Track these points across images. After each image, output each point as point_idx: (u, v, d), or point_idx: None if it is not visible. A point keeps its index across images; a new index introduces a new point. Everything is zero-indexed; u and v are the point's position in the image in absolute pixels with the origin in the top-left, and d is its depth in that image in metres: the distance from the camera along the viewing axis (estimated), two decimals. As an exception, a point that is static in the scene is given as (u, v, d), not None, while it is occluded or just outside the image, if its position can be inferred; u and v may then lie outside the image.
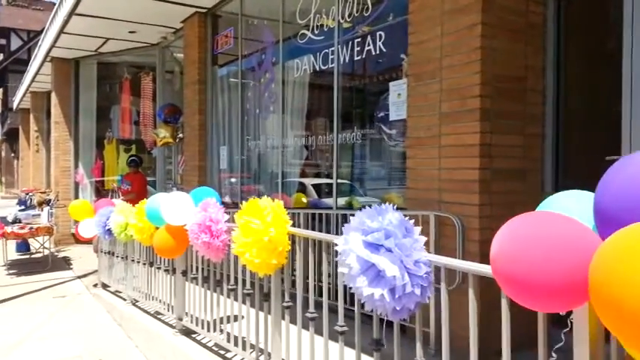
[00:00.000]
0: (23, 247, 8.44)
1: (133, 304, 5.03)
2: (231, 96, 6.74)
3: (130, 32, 7.89)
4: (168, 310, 4.25)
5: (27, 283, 6.69)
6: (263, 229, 2.47)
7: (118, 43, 8.64)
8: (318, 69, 4.86)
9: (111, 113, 10.48)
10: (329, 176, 5.20)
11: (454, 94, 3.17)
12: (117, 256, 5.61)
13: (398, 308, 1.69)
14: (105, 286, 6.11)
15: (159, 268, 4.49)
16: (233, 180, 6.72)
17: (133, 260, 5.08)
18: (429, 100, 3.34)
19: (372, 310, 2.13)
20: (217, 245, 3.12)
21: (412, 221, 1.78)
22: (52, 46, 8.74)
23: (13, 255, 8.29)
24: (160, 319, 4.40)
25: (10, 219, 7.55)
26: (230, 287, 3.10)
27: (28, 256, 8.42)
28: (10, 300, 5.86)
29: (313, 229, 4.46)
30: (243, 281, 3.05)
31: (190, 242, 3.30)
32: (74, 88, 10.35)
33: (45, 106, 14.85)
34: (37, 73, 11.46)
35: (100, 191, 10.03)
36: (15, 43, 21.82)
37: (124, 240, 4.97)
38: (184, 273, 3.88)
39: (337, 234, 4.36)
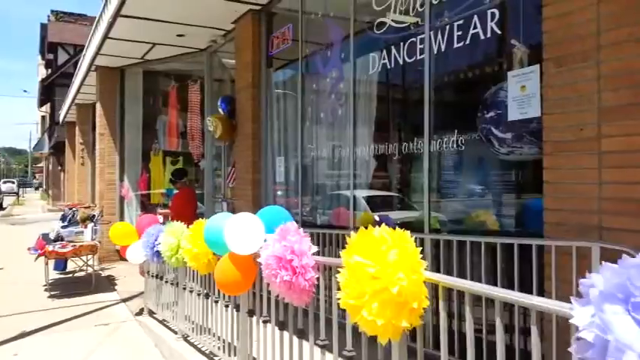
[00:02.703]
0: (60, 265, 7.84)
1: (185, 339, 4.35)
2: (289, 100, 6.05)
3: (178, 36, 7.38)
4: (227, 354, 3.53)
5: (68, 306, 6.14)
6: (386, 277, 1.68)
7: (164, 48, 8.16)
8: (401, 62, 4.06)
9: (157, 124, 10.02)
10: (410, 189, 4.40)
11: (621, 81, 2.33)
12: (166, 281, 4.97)
13: None
14: (151, 312, 5.49)
15: (216, 302, 3.78)
16: (290, 194, 5.99)
17: (184, 288, 4.41)
18: (580, 91, 2.50)
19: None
20: (302, 286, 2.37)
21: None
22: (97, 53, 8.33)
23: (53, 274, 7.78)
24: (217, 363, 3.70)
25: (52, 236, 7.06)
26: (321, 344, 2.32)
27: (70, 275, 7.93)
28: (49, 327, 5.29)
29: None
30: (340, 331, 2.27)
31: (265, 279, 2.56)
32: (119, 98, 9.98)
33: (90, 118, 14.68)
34: (82, 84, 11.19)
35: (146, 205, 9.52)
36: (62, 57, 22.04)
37: (175, 265, 4.30)
38: (251, 313, 3.14)
39: (433, 263, 3.52)
